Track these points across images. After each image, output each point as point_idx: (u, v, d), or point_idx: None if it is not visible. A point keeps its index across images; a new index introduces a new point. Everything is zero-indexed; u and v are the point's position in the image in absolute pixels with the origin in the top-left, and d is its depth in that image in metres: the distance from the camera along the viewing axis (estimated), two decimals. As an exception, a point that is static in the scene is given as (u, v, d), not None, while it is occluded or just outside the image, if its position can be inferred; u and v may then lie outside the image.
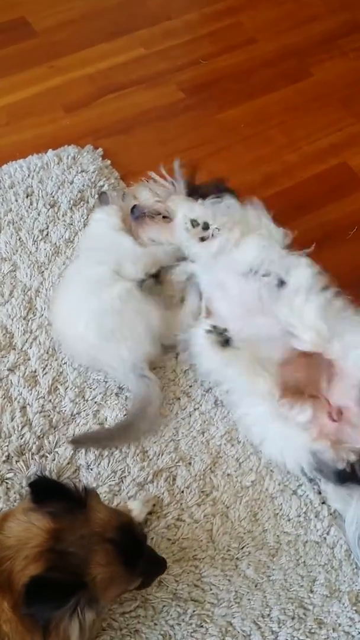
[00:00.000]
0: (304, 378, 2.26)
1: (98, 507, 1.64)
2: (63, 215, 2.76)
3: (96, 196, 2.81)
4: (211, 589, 2.02)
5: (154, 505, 2.15)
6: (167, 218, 2.52)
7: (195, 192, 2.57)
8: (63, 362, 2.40)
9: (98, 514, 1.62)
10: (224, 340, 2.32)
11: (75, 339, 2.35)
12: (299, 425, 2.17)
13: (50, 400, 2.32)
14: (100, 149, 3.02)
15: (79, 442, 2.24)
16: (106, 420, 2.30)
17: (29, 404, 2.30)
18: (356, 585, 2.07)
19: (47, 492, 1.61)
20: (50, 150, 2.96)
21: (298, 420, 2.17)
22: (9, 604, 1.52)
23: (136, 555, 1.66)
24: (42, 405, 2.31)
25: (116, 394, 2.36)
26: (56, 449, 2.23)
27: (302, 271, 2.33)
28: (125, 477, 2.20)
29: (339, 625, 1.98)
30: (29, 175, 2.86)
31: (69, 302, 2.40)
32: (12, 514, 1.65)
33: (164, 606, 1.98)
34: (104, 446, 2.24)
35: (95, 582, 1.55)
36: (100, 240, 2.53)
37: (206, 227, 2.40)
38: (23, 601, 1.48)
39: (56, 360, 2.41)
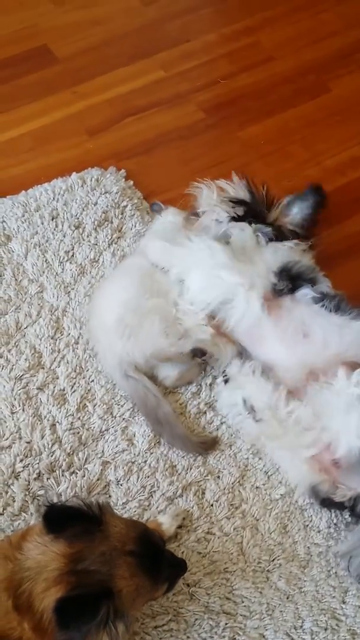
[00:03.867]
0: None
1: (114, 521, 1.65)
2: (88, 236, 2.81)
3: (120, 216, 2.86)
4: (243, 602, 2.03)
5: (183, 519, 2.16)
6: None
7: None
8: (90, 380, 2.44)
9: (115, 528, 1.63)
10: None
11: (98, 316, 2.44)
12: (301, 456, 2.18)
13: (79, 418, 2.35)
14: (123, 171, 3.07)
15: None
16: (134, 436, 2.32)
17: (58, 422, 2.34)
18: (389, 596, 2.06)
19: (61, 518, 1.60)
20: (74, 173, 3.02)
21: (302, 454, 2.18)
22: (29, 625, 1.54)
23: (158, 562, 1.67)
24: (71, 422, 2.34)
25: (144, 410, 2.39)
26: (86, 466, 2.26)
27: None
28: (154, 491, 2.22)
29: (373, 636, 1.98)
30: (54, 198, 2.92)
31: (117, 283, 2.51)
32: (30, 534, 1.65)
33: (196, 619, 1.99)
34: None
35: (121, 596, 1.55)
36: None
37: None
38: (57, 626, 1.48)
39: (84, 378, 2.44)
